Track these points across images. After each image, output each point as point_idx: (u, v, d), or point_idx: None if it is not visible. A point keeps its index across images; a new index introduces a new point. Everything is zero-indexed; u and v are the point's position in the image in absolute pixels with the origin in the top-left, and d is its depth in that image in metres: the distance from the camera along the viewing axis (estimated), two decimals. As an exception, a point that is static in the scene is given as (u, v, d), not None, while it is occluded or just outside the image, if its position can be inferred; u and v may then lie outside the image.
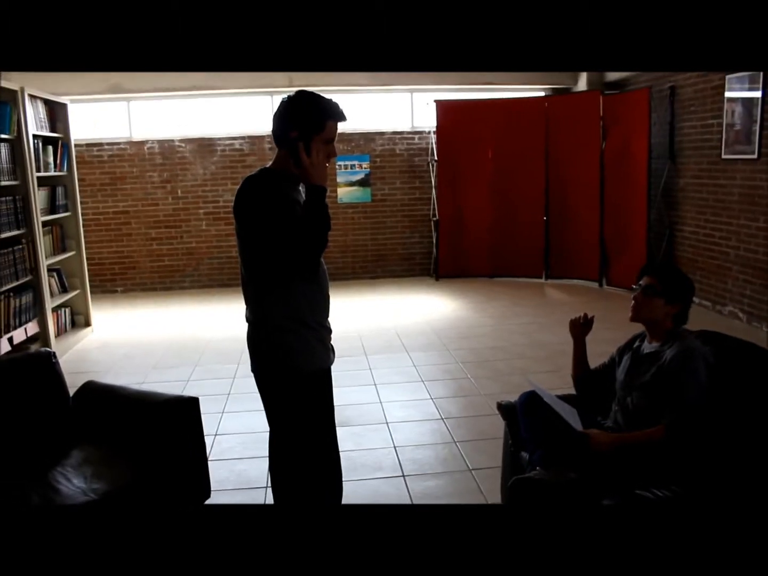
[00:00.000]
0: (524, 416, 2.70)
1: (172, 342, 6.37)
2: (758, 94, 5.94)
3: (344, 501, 3.32)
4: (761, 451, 2.30)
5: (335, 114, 2.23)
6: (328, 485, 2.55)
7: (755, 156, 6.02)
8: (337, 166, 8.63)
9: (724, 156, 6.48)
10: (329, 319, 2.47)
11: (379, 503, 3.29)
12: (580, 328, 2.93)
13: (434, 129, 8.50)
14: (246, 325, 2.45)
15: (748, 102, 6.12)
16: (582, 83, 8.34)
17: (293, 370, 2.32)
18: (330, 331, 2.47)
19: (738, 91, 6.26)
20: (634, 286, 2.66)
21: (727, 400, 2.47)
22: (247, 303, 2.40)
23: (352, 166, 8.65)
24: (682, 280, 2.66)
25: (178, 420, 3.20)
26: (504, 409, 2.95)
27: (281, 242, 2.15)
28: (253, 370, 2.46)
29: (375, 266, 9.01)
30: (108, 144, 8.42)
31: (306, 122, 2.18)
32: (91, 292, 8.20)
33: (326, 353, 2.42)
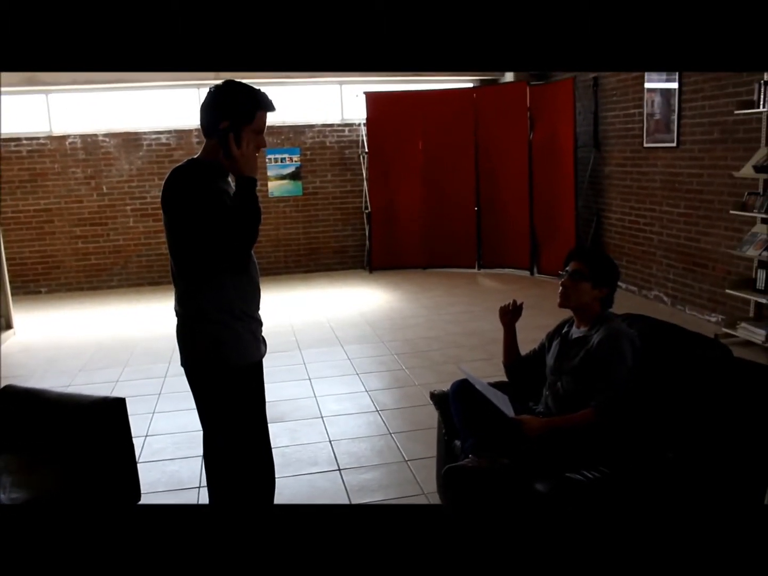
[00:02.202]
0: (456, 404, 2.70)
1: (100, 343, 6.17)
2: (675, 85, 6.12)
3: (279, 497, 3.27)
4: (685, 428, 2.37)
5: (265, 104, 2.19)
6: (261, 480, 2.50)
7: (674, 144, 6.20)
8: (267, 160, 8.51)
9: (645, 144, 6.66)
10: (260, 311, 2.42)
11: (312, 503, 3.27)
12: (510, 315, 2.95)
13: (364, 121, 8.46)
14: (176, 318, 2.39)
15: (666, 92, 6.30)
16: (509, 74, 8.43)
17: (224, 363, 2.27)
18: (261, 323, 2.41)
19: (656, 82, 6.44)
20: (561, 272, 2.69)
21: (653, 380, 2.53)
22: (176, 295, 2.34)
23: (283, 160, 8.55)
24: (607, 263, 2.70)
25: (103, 423, 3.08)
26: (437, 398, 2.95)
27: (210, 234, 2.10)
28: (183, 365, 2.39)
29: (308, 260, 8.93)
30: (27, 139, 8.08)
31: (235, 112, 2.14)
32: (13, 294, 7.89)
33: (257, 345, 2.37)
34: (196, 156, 2.28)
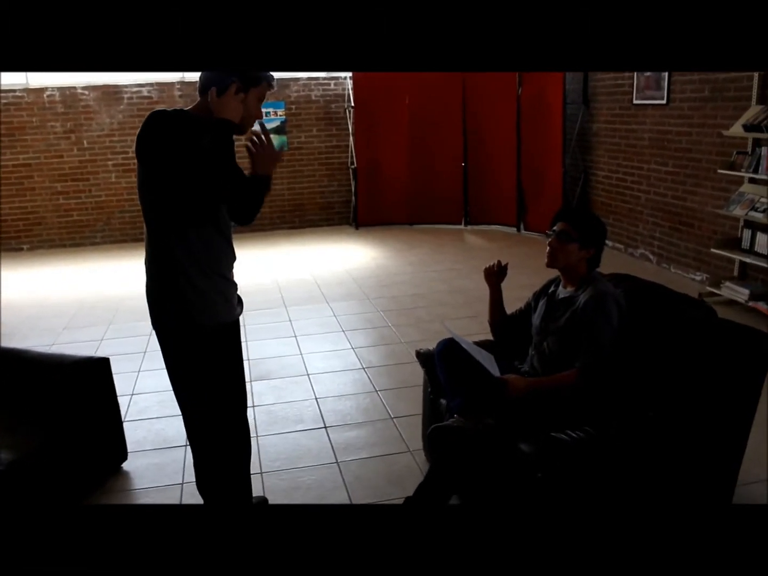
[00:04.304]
0: (442, 364, 2.70)
1: (83, 301, 6.11)
2: (667, 38, 6.02)
3: (264, 455, 3.31)
4: (668, 388, 2.38)
5: (270, 76, 2.21)
6: (236, 445, 2.49)
7: (664, 101, 6.14)
8: (251, 114, 8.35)
9: (635, 101, 6.60)
10: (232, 271, 2.37)
11: (299, 462, 3.28)
12: (495, 276, 2.94)
13: (350, 75, 8.31)
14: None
15: (657, 47, 6.20)
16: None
17: (190, 323, 2.22)
18: (234, 284, 2.37)
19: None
20: (548, 232, 2.67)
21: (637, 340, 2.54)
22: (146, 252, 2.29)
23: (267, 114, 8.39)
24: (595, 224, 2.69)
25: (88, 382, 3.07)
26: (422, 357, 2.95)
27: (182, 182, 2.05)
28: (152, 324, 2.36)
29: (293, 216, 8.85)
30: (2, 91, 7.87)
31: (245, 72, 2.10)
32: (-7, 250, 7.79)
33: (227, 306, 2.31)
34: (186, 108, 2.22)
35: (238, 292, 2.44)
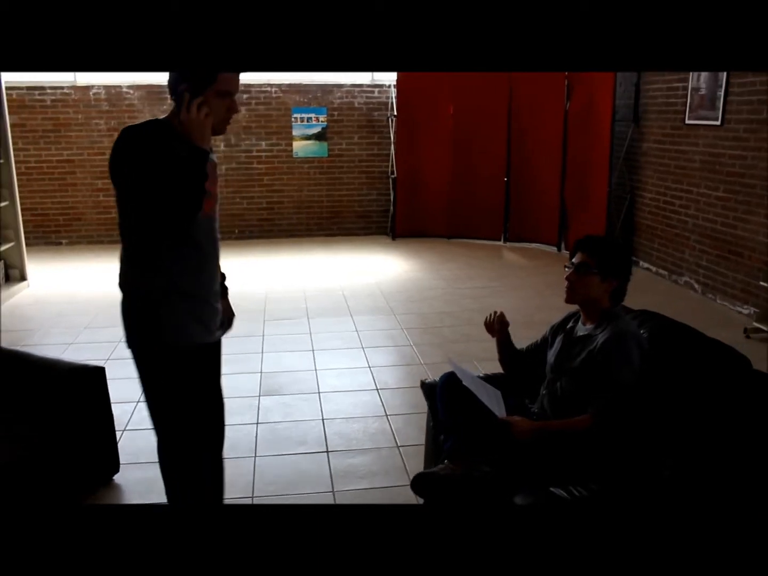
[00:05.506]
0: (442, 399, 2.50)
1: (110, 299, 6.04)
2: (725, 57, 5.70)
3: (260, 477, 3.15)
4: (689, 445, 2.14)
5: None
6: (206, 480, 2.34)
7: (718, 122, 5.82)
8: (293, 119, 8.27)
9: (687, 121, 6.28)
10: (210, 291, 2.21)
11: (292, 488, 3.12)
12: (496, 327, 2.70)
13: (395, 83, 8.15)
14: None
15: (714, 65, 5.88)
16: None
17: (159, 345, 2.09)
18: (209, 304, 2.21)
19: (705, 53, 6.02)
20: (566, 265, 2.45)
21: (658, 388, 2.29)
22: (119, 270, 2.17)
23: (309, 119, 8.30)
24: (616, 253, 2.45)
25: (80, 390, 2.96)
26: (426, 388, 2.76)
27: (146, 199, 1.91)
28: (126, 343, 2.22)
29: (330, 223, 8.72)
30: (50, 88, 7.94)
31: (194, 72, 1.92)
32: (33, 245, 7.87)
33: (199, 327, 2.16)
34: (161, 117, 2.09)
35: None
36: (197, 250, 2.09)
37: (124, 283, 2.15)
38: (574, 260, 2.41)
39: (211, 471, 2.37)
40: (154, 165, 1.89)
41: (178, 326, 2.09)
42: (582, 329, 2.49)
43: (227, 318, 2.41)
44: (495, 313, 2.69)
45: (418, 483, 2.21)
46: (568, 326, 2.58)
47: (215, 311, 2.23)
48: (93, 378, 3.04)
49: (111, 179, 2.01)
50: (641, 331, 2.45)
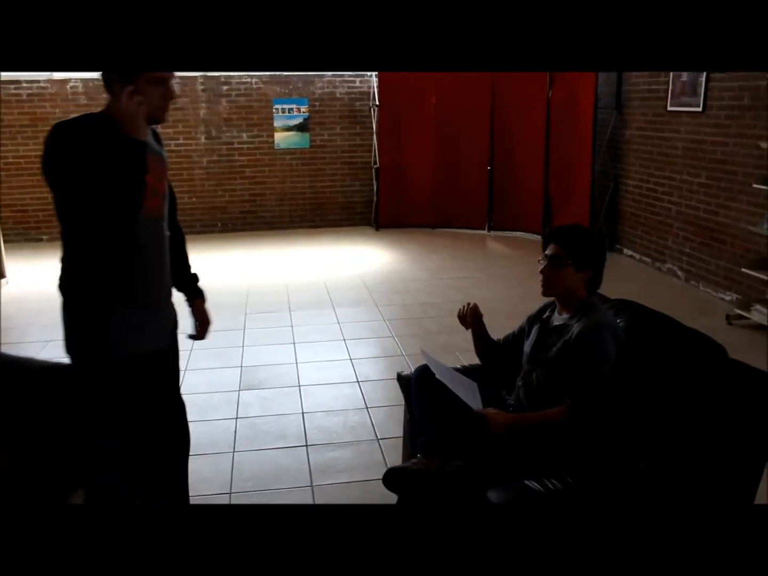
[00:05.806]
0: (416, 393, 2.47)
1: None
2: (706, 43, 5.68)
3: (238, 473, 3.11)
4: (664, 436, 2.12)
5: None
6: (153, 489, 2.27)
7: (700, 109, 5.80)
8: (274, 110, 8.19)
9: (669, 108, 6.25)
10: (158, 297, 2.13)
11: (271, 484, 3.08)
12: (470, 318, 2.66)
13: (376, 73, 8.08)
14: None
15: (695, 51, 5.86)
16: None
17: (96, 356, 2.01)
18: (156, 310, 2.12)
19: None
20: (540, 259, 2.41)
21: (634, 379, 2.27)
22: (60, 270, 2.08)
23: (290, 110, 8.22)
24: (588, 242, 2.41)
25: (54, 390, 2.90)
26: (403, 381, 2.72)
27: (82, 197, 1.83)
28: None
29: (313, 215, 8.66)
30: (27, 82, 7.80)
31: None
32: (12, 241, 7.75)
33: (143, 337, 2.06)
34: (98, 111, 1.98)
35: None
36: (140, 252, 2.00)
37: (62, 286, 2.05)
38: (546, 252, 2.38)
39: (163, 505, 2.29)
40: (88, 160, 1.80)
41: (119, 336, 2.00)
42: (558, 319, 2.46)
43: (201, 324, 2.36)
44: (468, 305, 2.66)
45: (389, 478, 2.18)
46: (544, 316, 2.55)
47: (164, 318, 2.16)
48: (68, 377, 2.97)
49: (45, 178, 1.91)
50: (617, 321, 2.42)
